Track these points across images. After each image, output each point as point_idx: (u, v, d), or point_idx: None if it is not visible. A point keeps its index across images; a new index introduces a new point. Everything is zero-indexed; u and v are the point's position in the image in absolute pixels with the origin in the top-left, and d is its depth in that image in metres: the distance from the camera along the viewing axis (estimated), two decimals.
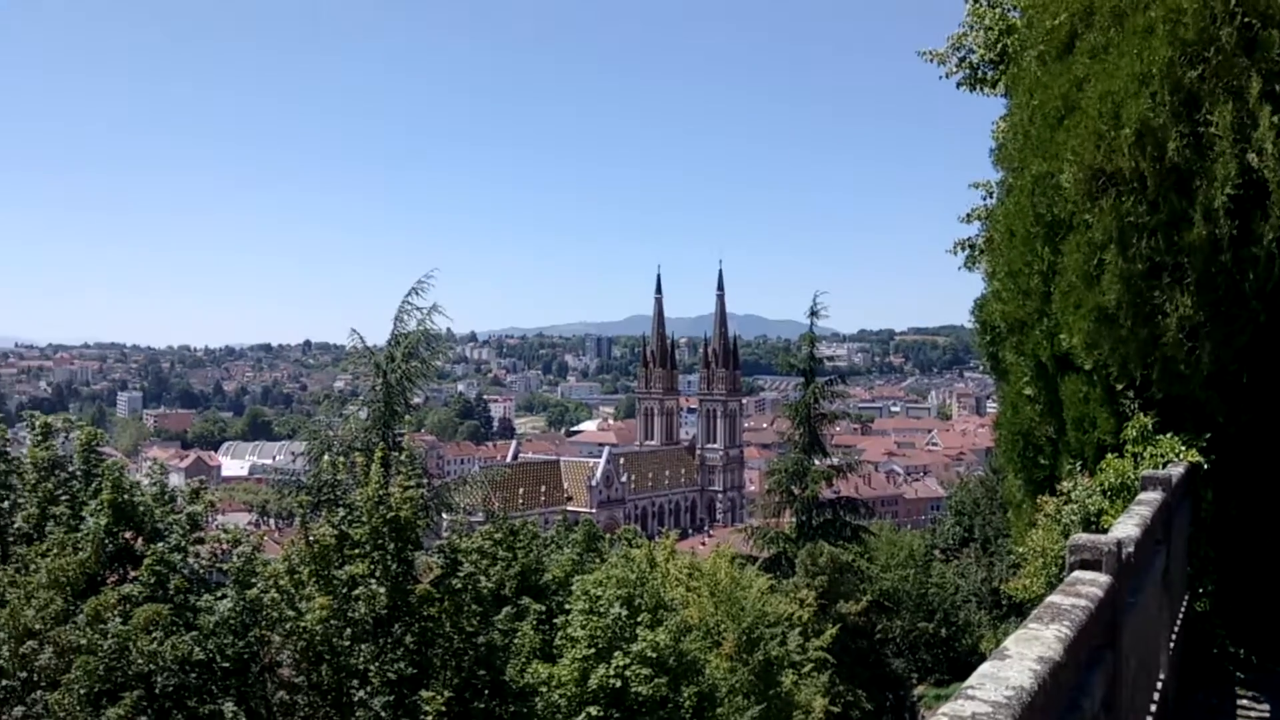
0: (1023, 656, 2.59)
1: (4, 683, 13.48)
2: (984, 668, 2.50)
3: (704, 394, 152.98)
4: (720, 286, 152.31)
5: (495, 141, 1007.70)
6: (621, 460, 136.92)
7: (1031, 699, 2.31)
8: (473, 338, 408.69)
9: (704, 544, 74.61)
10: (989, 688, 2.32)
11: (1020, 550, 11.69)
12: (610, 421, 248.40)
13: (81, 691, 11.90)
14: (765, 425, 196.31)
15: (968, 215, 16.67)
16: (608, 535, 37.07)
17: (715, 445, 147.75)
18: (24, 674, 13.10)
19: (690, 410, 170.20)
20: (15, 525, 15.58)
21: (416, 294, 21.00)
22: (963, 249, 16.58)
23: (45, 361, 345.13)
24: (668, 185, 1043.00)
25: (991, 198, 15.66)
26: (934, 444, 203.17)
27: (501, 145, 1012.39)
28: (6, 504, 15.82)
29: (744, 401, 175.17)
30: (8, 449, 16.47)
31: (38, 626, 12.90)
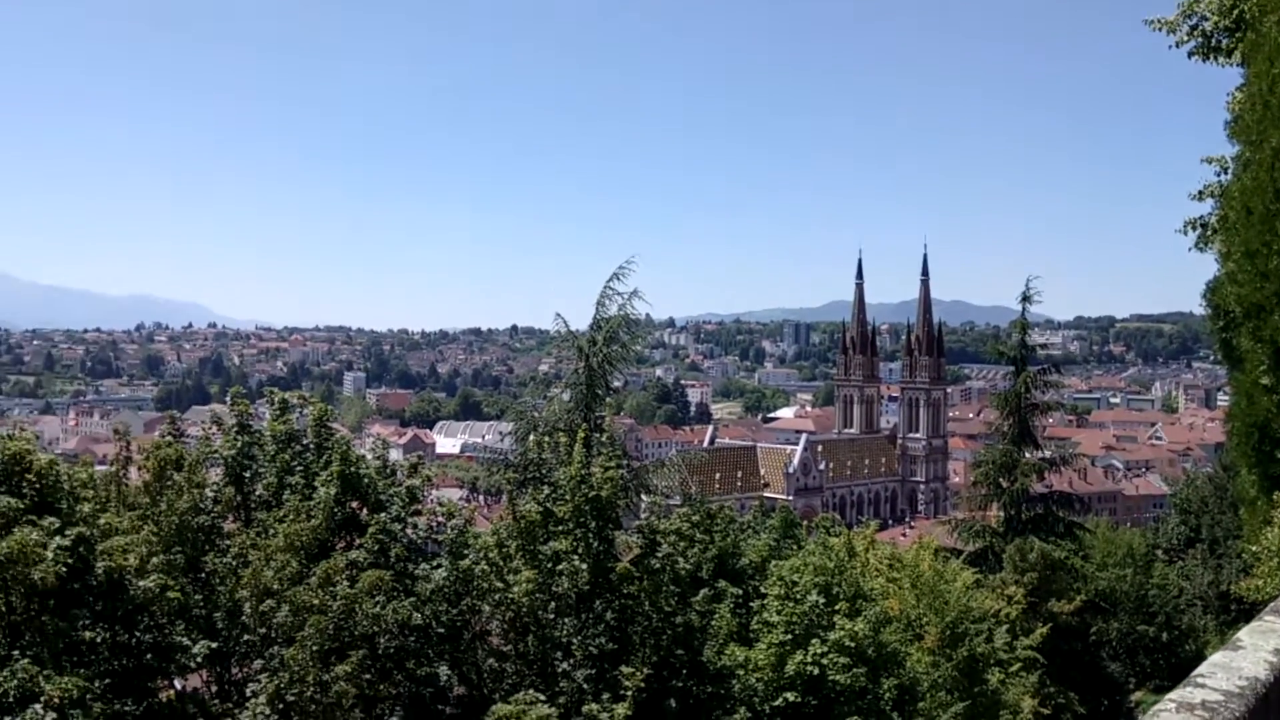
0: (1257, 648, 2.43)
1: (246, 637, 14.73)
2: (1215, 657, 2.37)
3: (906, 382, 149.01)
4: (925, 272, 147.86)
5: (697, 130, 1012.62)
6: (819, 448, 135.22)
7: (1266, 690, 2.18)
8: (671, 323, 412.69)
9: (905, 535, 72.86)
10: (1220, 677, 2.20)
11: (1253, 550, 10.89)
12: (808, 409, 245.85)
13: (313, 648, 12.83)
14: (971, 415, 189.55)
15: (1199, 192, 15.54)
16: (805, 522, 36.75)
17: (918, 435, 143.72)
18: (263, 630, 14.26)
19: (891, 399, 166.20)
20: (257, 493, 16.95)
21: (618, 280, 21.39)
22: (1194, 228, 15.48)
23: (282, 343, 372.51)
24: (870, 169, 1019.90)
25: (1226, 173, 14.54)
26: (1158, 438, 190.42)
27: (703, 134, 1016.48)
28: (249, 473, 17.21)
29: (949, 390, 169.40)
30: (251, 422, 17.92)
31: (276, 586, 14.00)
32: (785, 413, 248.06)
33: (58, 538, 12.97)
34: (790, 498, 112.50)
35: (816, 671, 16.40)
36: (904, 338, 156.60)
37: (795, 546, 23.84)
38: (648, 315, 23.77)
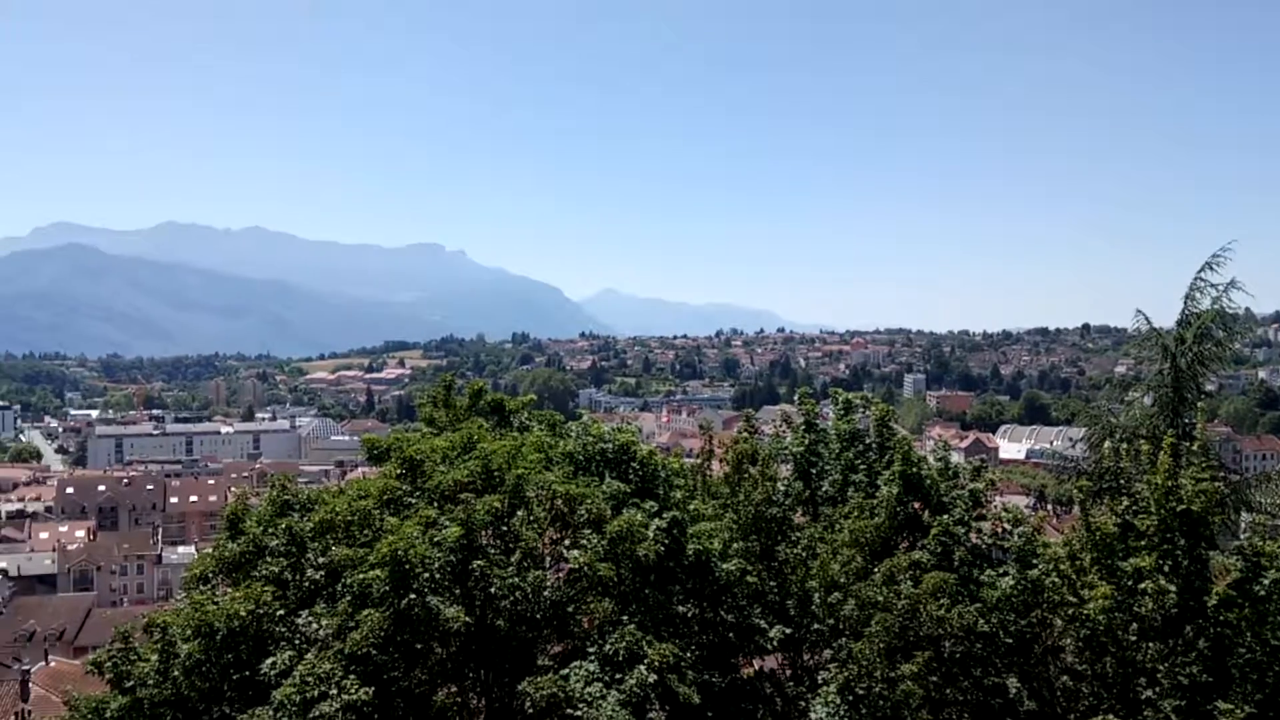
0: None
1: (816, 626, 15.48)
2: None
3: None
4: None
5: None
6: None
7: None
8: (1278, 318, 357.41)
9: None
10: None
11: None
12: None
13: (880, 645, 13.12)
14: None
15: None
16: None
17: None
18: (831, 621, 14.89)
19: None
20: (823, 488, 17.76)
21: (1211, 269, 19.06)
22: None
23: (844, 346, 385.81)
24: None
25: None
26: None
27: None
28: (815, 470, 18.09)
29: None
30: (817, 421, 18.82)
31: (842, 580, 14.55)
32: None
33: (657, 520, 14.73)
34: None
35: None
36: None
37: None
38: (1248, 309, 20.84)
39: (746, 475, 17.48)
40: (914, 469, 15.90)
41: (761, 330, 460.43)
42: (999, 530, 15.78)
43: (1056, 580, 13.82)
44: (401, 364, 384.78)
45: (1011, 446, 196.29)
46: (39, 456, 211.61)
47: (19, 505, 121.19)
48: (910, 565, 14.07)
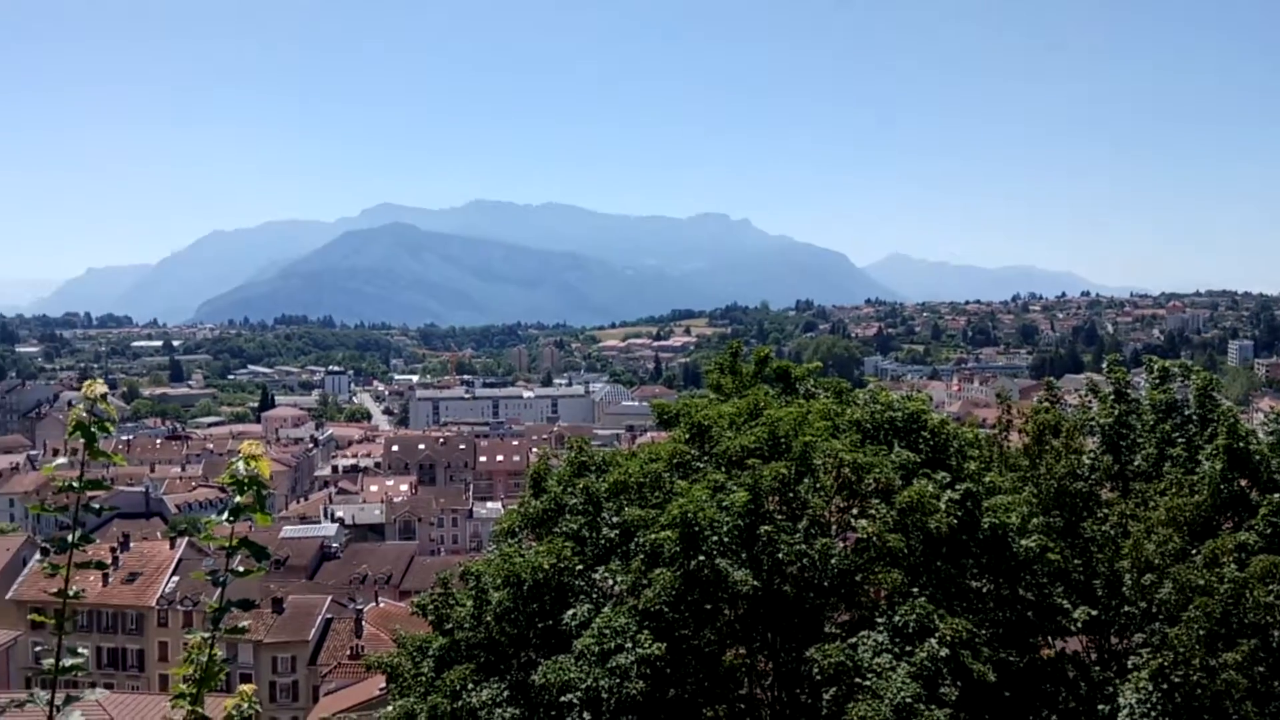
0: None
1: (1126, 609, 14.53)
2: None
3: None
4: None
5: None
6: None
7: None
8: None
9: None
10: None
11: None
12: None
13: (1199, 631, 12.14)
14: None
15: None
16: None
17: None
18: (1144, 604, 13.92)
19: None
20: (1135, 463, 16.57)
21: None
22: None
23: (1158, 310, 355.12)
24: None
25: None
26: None
27: None
28: (1125, 442, 16.89)
29: None
30: (1128, 391, 17.54)
31: (1157, 561, 13.55)
32: None
33: (949, 491, 14.29)
34: None
35: None
36: None
37: None
38: None
39: (1048, 447, 16.62)
40: (1241, 443, 14.54)
41: (1063, 294, 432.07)
42: None
43: None
44: (688, 332, 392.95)
45: None
46: (369, 417, 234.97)
47: (353, 461, 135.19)
48: (1236, 547, 12.93)
